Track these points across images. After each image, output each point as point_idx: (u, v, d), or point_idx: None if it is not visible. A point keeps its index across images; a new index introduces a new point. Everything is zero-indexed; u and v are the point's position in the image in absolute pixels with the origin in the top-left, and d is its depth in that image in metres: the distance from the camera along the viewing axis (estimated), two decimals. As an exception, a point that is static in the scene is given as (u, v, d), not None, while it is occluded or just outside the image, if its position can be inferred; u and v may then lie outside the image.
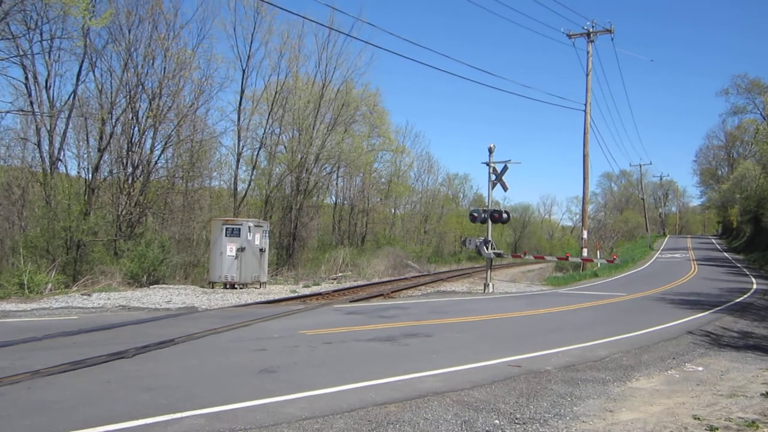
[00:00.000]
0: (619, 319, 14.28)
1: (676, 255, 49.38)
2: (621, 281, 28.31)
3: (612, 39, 35.23)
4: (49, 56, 23.89)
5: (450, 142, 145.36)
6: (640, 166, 77.23)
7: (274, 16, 31.74)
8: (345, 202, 46.92)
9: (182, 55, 26.87)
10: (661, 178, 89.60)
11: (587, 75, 33.97)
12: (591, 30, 33.89)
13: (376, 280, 27.09)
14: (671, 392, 7.02)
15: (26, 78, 23.48)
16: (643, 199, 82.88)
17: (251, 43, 31.70)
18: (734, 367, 8.82)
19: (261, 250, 20.75)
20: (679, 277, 30.22)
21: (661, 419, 5.81)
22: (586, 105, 33.74)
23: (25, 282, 15.28)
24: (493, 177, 22.99)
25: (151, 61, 26.02)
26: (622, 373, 7.91)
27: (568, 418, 5.77)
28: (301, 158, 33.75)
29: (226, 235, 19.85)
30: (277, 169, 35.26)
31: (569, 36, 34.36)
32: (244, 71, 31.86)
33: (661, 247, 59.23)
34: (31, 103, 23.69)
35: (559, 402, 6.33)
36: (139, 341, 8.62)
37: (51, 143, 24.13)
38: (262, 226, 21.28)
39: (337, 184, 45.46)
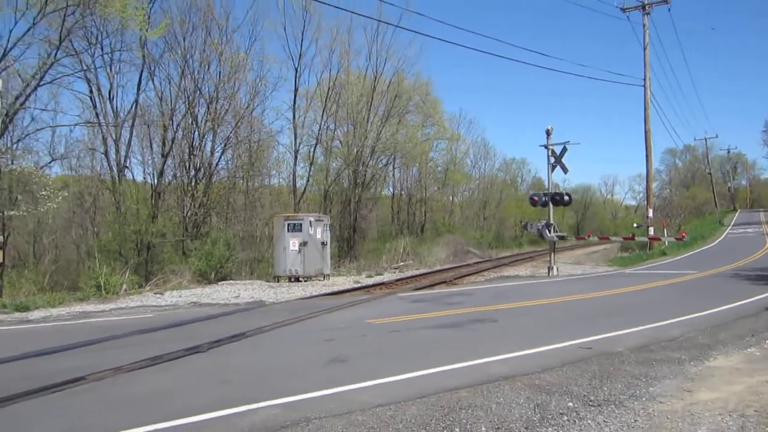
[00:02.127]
0: (690, 298, 13.83)
1: (748, 230, 47.34)
2: (690, 259, 27.38)
3: (669, 9, 33.76)
4: (111, 69, 24.94)
5: (505, 126, 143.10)
6: (705, 139, 73.80)
7: (323, 13, 32.09)
8: (402, 192, 47.01)
9: (236, 59, 27.50)
10: (728, 151, 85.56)
11: (645, 49, 32.81)
12: (646, 2, 32.65)
13: (438, 267, 27.05)
14: (752, 370, 6.76)
15: (91, 91, 24.54)
16: (710, 173, 79.68)
17: (302, 41, 32.11)
18: (819, 343, 8.42)
19: (323, 243, 21.02)
20: (753, 252, 28.97)
21: (743, 398, 5.62)
22: (645, 80, 32.62)
23: (102, 284, 15.96)
24: (552, 159, 22.56)
25: (207, 66, 26.74)
26: (698, 353, 7.66)
27: (644, 398, 5.64)
28: (356, 152, 33.98)
29: (288, 231, 20.22)
30: (334, 164, 35.63)
31: (623, 10, 33.18)
32: (296, 70, 32.30)
33: (732, 223, 56.87)
34: (97, 115, 24.72)
35: (634, 383, 6.20)
36: (212, 336, 8.89)
37: (117, 151, 25.14)
38: (322, 220, 21.57)
39: (393, 175, 45.60)
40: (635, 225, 36.40)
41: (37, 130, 22.56)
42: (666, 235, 28.97)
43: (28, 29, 19.08)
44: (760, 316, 10.71)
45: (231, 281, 20.21)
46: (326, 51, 33.89)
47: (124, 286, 16.83)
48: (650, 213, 32.65)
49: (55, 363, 7.39)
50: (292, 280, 20.12)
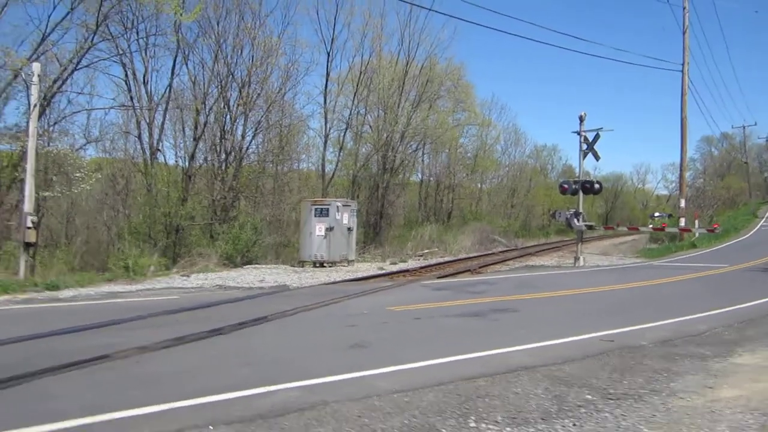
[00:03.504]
0: (719, 292, 13.61)
1: (784, 223, 46.27)
2: (722, 251, 26.88)
3: (710, -7, 32.85)
4: (146, 53, 25.21)
5: (538, 112, 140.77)
6: (744, 127, 71.72)
7: (356, -4, 31.84)
8: (431, 178, 46.85)
9: (268, 43, 27.54)
10: (767, 140, 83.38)
11: (684, 33, 31.97)
12: (686, -17, 31.82)
13: (463, 255, 26.98)
14: (778, 368, 6.65)
15: (126, 75, 24.85)
16: (746, 162, 77.70)
17: (334, 25, 32.10)
18: None
19: (349, 229, 21.11)
20: (788, 246, 28.33)
21: (766, 396, 5.53)
22: (683, 65, 31.81)
23: (131, 265, 16.24)
24: (584, 146, 22.29)
25: (240, 51, 26.84)
26: (723, 349, 7.55)
27: (664, 394, 5.59)
28: (386, 137, 33.93)
29: (315, 216, 20.33)
30: (364, 149, 35.64)
31: (663, -8, 32.44)
32: (328, 54, 32.31)
33: (766, 215, 55.59)
34: (131, 98, 25.05)
35: (654, 378, 6.14)
36: (236, 318, 9.02)
37: (150, 135, 25.48)
38: (349, 206, 21.63)
39: (422, 161, 45.45)
40: (655, 215, 35.78)
41: (74, 113, 22.91)
42: (697, 226, 28.45)
43: (67, 14, 19.43)
44: (790, 313, 10.50)
45: (257, 265, 20.42)
46: (358, 35, 33.84)
47: (152, 268, 17.11)
48: (682, 203, 32.10)
49: (82, 341, 7.58)
50: (317, 265, 20.26)
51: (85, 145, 24.99)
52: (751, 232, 39.08)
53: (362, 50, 34.04)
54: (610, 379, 6.06)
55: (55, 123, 22.16)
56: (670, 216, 53.00)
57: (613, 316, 10.05)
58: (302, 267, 20.29)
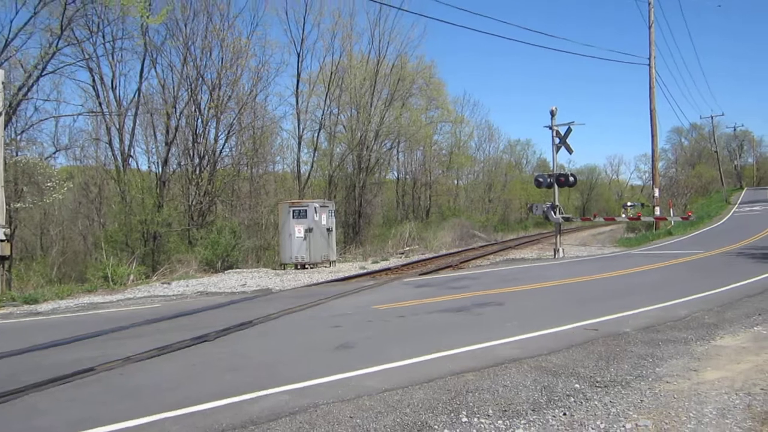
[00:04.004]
0: (697, 277, 13.82)
1: (755, 208, 47.11)
2: (697, 238, 27.31)
3: (674, -14, 33.36)
4: (113, 57, 24.95)
5: (510, 108, 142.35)
6: (712, 117, 72.72)
7: (325, -4, 31.81)
8: (407, 176, 47.01)
9: (238, 44, 27.43)
10: (735, 129, 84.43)
11: (650, 27, 32.42)
12: (651, -22, 32.28)
13: (444, 251, 27.08)
14: (759, 349, 6.76)
15: (93, 80, 24.56)
16: (716, 152, 78.86)
17: (304, 25, 32.09)
18: (827, 320, 8.40)
19: (328, 229, 21.03)
20: (760, 230, 28.83)
21: (749, 377, 5.62)
22: (650, 59, 32.26)
23: (109, 274, 16.04)
24: (557, 140, 22.47)
25: (209, 53, 26.68)
26: (704, 332, 7.67)
27: (650, 379, 5.66)
28: (360, 136, 33.93)
29: (293, 217, 20.21)
30: (338, 149, 35.61)
31: (628, -14, 32.85)
32: (299, 54, 32.26)
33: (738, 201, 56.59)
34: (100, 104, 24.76)
35: (640, 363, 6.21)
36: (220, 324, 8.94)
37: (121, 141, 25.18)
38: (327, 206, 21.56)
39: (398, 159, 45.60)
40: (628, 204, 36.24)
41: (41, 120, 22.65)
42: (672, 214, 28.88)
43: (30, 18, 19.13)
44: (766, 295, 10.70)
45: (237, 270, 20.28)
46: (328, 35, 33.82)
47: (132, 277, 16.92)
48: (656, 192, 32.53)
49: (65, 354, 7.45)
50: (299, 267, 20.17)
51: (54, 153, 24.71)
52: (725, 219, 39.75)
53: (333, 50, 34.08)
54: (596, 367, 6.11)
55: (22, 131, 21.83)
56: (642, 205, 53.72)
57: (596, 305, 10.15)
58: (284, 269, 20.19)
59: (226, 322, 9.21)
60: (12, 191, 19.05)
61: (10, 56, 19.41)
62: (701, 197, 61.96)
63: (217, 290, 14.80)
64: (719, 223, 36.29)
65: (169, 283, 16.35)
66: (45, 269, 20.43)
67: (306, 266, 20.11)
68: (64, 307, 12.37)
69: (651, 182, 35.65)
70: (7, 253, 15.19)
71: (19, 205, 19.33)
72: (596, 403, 5.01)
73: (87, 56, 23.51)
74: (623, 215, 29.77)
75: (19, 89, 20.04)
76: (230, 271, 19.83)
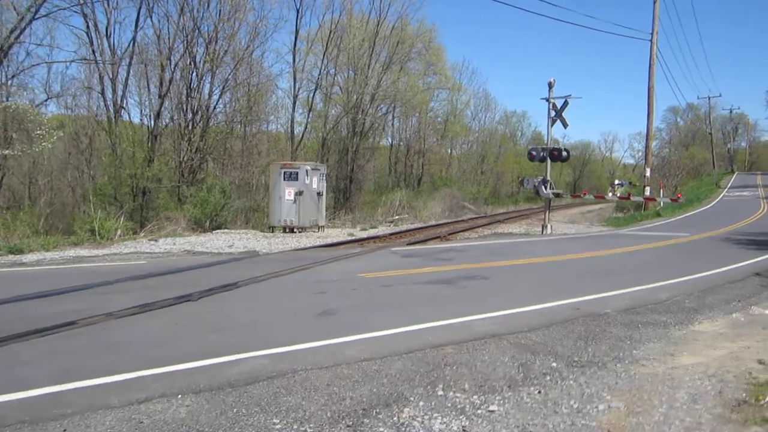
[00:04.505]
0: (681, 261, 13.95)
1: (744, 193, 47.43)
2: (685, 221, 27.50)
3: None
4: (108, 4, 24.42)
5: (508, 77, 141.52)
6: (709, 98, 72.65)
7: (328, -51, 31.16)
8: (401, 143, 46.78)
9: (236, -4, 26.79)
10: (731, 111, 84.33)
11: (654, 1, 32.13)
12: (658, -47, 31.81)
13: (433, 222, 27.15)
14: (736, 336, 6.85)
15: (87, 27, 24.04)
16: (710, 133, 79.10)
17: (305, -20, 31.29)
18: (804, 310, 8.52)
19: (318, 193, 20.98)
20: (747, 216, 29.11)
21: (724, 363, 5.71)
22: (652, 34, 32.00)
23: (96, 228, 15.98)
24: (553, 113, 22.38)
25: (207, 4, 26.13)
26: (684, 316, 7.76)
27: (627, 361, 5.73)
28: (356, 99, 33.63)
29: (284, 179, 20.09)
30: (333, 111, 35.32)
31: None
32: (298, 11, 31.71)
33: (729, 185, 56.92)
34: (93, 52, 24.29)
35: (618, 345, 6.29)
36: (205, 284, 8.96)
37: (114, 91, 24.81)
38: (319, 170, 21.46)
39: (393, 124, 45.33)
40: (615, 183, 36.38)
41: (32, 66, 22.23)
42: (662, 195, 29.02)
43: (23, -43, 18.57)
44: (747, 282, 10.82)
45: (226, 230, 20.25)
46: (329, -9, 33.16)
47: (119, 232, 16.86)
48: (648, 172, 32.65)
49: (48, 306, 7.46)
50: (287, 230, 20.15)
51: (45, 100, 24.35)
52: (714, 202, 40.03)
53: (333, 8, 33.52)
54: (575, 347, 6.18)
55: (13, 76, 21.46)
56: (631, 184, 53.90)
57: (579, 284, 10.23)
58: (272, 232, 20.19)
59: (211, 282, 9.22)
60: (1, 138, 18.82)
61: (2, -3, 18.96)
62: (692, 179, 62.26)
63: (204, 250, 14.80)
64: (708, 207, 36.54)
65: (156, 240, 16.32)
66: (32, 219, 20.26)
67: (294, 230, 20.10)
68: (49, 259, 12.34)
69: (644, 161, 35.69)
70: (-6, 200, 15.08)
71: (7, 152, 19.13)
72: (572, 382, 5.08)
73: (82, 1, 22.99)
74: (610, 194, 29.88)
75: (11, 32, 19.59)
76: (218, 231, 19.80)
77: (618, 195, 29.89)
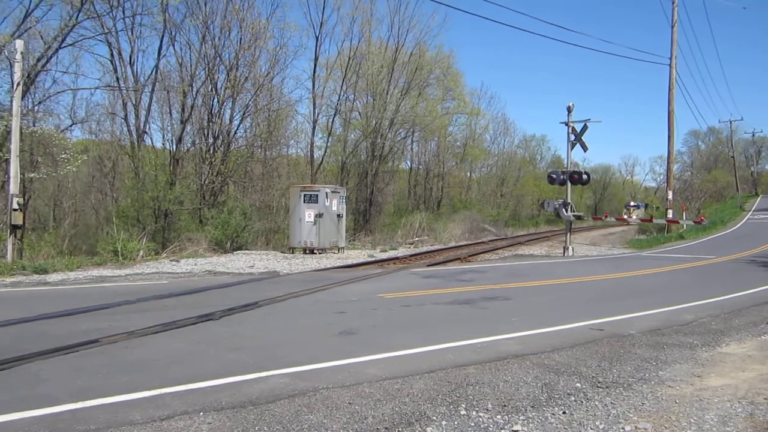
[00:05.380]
0: (706, 283, 13.73)
1: (770, 215, 46.66)
2: (708, 243, 27.09)
3: (700, -14, 32.88)
4: (132, 33, 24.89)
5: (526, 102, 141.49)
6: (730, 122, 72.26)
7: (346, -20, 31.61)
8: (420, 166, 46.83)
9: (257, 25, 27.28)
10: (753, 135, 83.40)
11: (672, 26, 32.11)
12: (676, -22, 31.86)
13: (453, 244, 27.03)
14: (765, 358, 6.70)
15: (111, 55, 24.55)
16: (733, 157, 78.10)
17: (323, 9, 31.90)
18: (836, 332, 8.31)
19: (338, 215, 21.05)
20: (774, 238, 28.58)
21: (753, 385, 5.57)
22: (671, 59, 31.93)
23: (119, 249, 16.15)
24: (572, 137, 22.32)
25: (228, 33, 26.55)
26: (710, 338, 7.61)
27: (653, 382, 5.62)
28: (375, 123, 33.81)
29: (304, 202, 20.24)
30: (352, 135, 35.49)
31: (653, -15, 32.49)
32: (317, 38, 32.07)
33: (753, 208, 56.01)
34: (117, 79, 24.74)
35: (643, 366, 6.17)
36: (226, 304, 8.99)
37: (137, 117, 25.21)
38: (338, 192, 21.56)
39: (411, 148, 45.41)
40: (631, 204, 35.98)
41: (58, 92, 22.68)
42: (685, 218, 28.68)
43: (51, -11, 19.07)
44: (776, 304, 10.60)
45: (247, 251, 20.35)
46: (348, 20, 33.61)
47: (141, 253, 17.02)
48: (670, 195, 32.29)
49: (71, 325, 7.52)
50: (307, 251, 20.21)
51: (71, 126, 24.79)
52: (738, 225, 39.41)
53: (351, 35, 33.88)
54: (599, 367, 6.08)
55: (39, 102, 21.90)
56: (647, 206, 53.32)
57: (602, 305, 10.10)
58: (292, 253, 20.24)
59: (232, 302, 9.25)
60: (27, 161, 19.18)
61: (30, 27, 19.44)
62: (715, 202, 61.46)
63: (225, 270, 14.87)
64: (732, 230, 35.98)
65: (177, 261, 16.43)
66: (56, 240, 20.57)
67: (315, 251, 20.16)
68: (72, 279, 12.48)
69: (665, 184, 35.34)
70: (20, 222, 15.33)
71: (33, 175, 19.45)
72: (597, 403, 4.99)
73: (106, 30, 23.50)
74: (625, 216, 29.56)
75: (38, 60, 20.10)
76: (239, 252, 19.91)
77: (635, 217, 29.58)
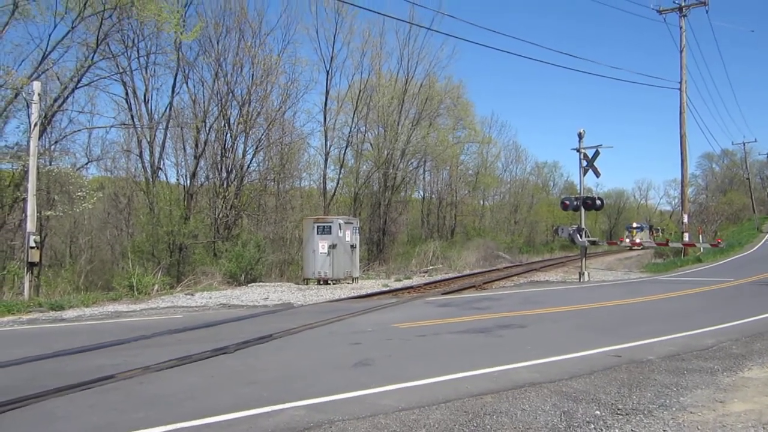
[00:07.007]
0: (725, 306, 13.53)
1: (788, 237, 46.12)
2: (726, 266, 26.76)
3: (707, 11, 33.06)
4: (146, 71, 25.30)
5: (538, 129, 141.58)
6: (744, 144, 72.11)
7: (355, 15, 32.15)
8: (432, 195, 46.87)
9: (268, 61, 27.68)
10: (767, 156, 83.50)
11: (681, 51, 32.19)
12: (683, 4, 32.05)
13: (467, 272, 26.92)
14: (788, 381, 6.57)
15: (126, 94, 24.96)
16: (748, 179, 77.59)
17: (333, 44, 32.23)
18: None
19: (352, 246, 21.07)
20: (793, 259, 28.21)
21: (778, 410, 5.46)
22: (681, 83, 31.98)
23: (134, 284, 16.24)
24: (584, 163, 22.29)
25: (240, 69, 26.96)
26: (731, 363, 7.47)
27: (674, 408, 5.52)
28: (387, 154, 33.99)
29: (317, 233, 20.31)
30: (364, 167, 35.65)
31: (659, 12, 32.72)
32: (328, 72, 32.42)
33: (772, 229, 55.43)
34: (132, 117, 25.13)
35: (663, 392, 6.07)
36: (240, 337, 8.97)
37: (152, 153, 25.52)
38: (352, 223, 21.62)
39: (424, 178, 45.48)
40: (634, 226, 35.65)
41: (74, 131, 23.06)
42: (701, 241, 28.40)
43: (67, 33, 19.49)
44: (798, 326, 10.41)
45: (261, 283, 20.38)
46: (358, 54, 33.98)
47: (156, 287, 17.09)
48: (685, 218, 32.04)
49: (86, 361, 7.54)
50: (321, 282, 20.21)
51: (86, 164, 25.12)
52: (756, 247, 38.98)
53: (361, 69, 34.20)
54: (618, 394, 5.99)
55: (56, 142, 22.27)
56: (651, 228, 52.88)
57: (620, 331, 9.97)
58: (306, 284, 20.24)
59: (246, 335, 9.24)
60: (44, 199, 19.42)
61: (47, 69, 19.85)
62: (732, 225, 60.88)
63: (240, 303, 14.88)
64: (750, 252, 35.56)
65: (192, 295, 16.48)
66: (72, 277, 20.70)
67: (329, 282, 20.15)
68: (88, 315, 12.54)
69: (680, 208, 35.08)
70: (37, 259, 15.48)
71: (50, 213, 19.70)
72: (617, 430, 4.91)
73: (121, 70, 23.95)
74: (627, 239, 29.28)
75: (55, 101, 20.51)
76: (253, 284, 19.94)
77: (638, 240, 29.28)
